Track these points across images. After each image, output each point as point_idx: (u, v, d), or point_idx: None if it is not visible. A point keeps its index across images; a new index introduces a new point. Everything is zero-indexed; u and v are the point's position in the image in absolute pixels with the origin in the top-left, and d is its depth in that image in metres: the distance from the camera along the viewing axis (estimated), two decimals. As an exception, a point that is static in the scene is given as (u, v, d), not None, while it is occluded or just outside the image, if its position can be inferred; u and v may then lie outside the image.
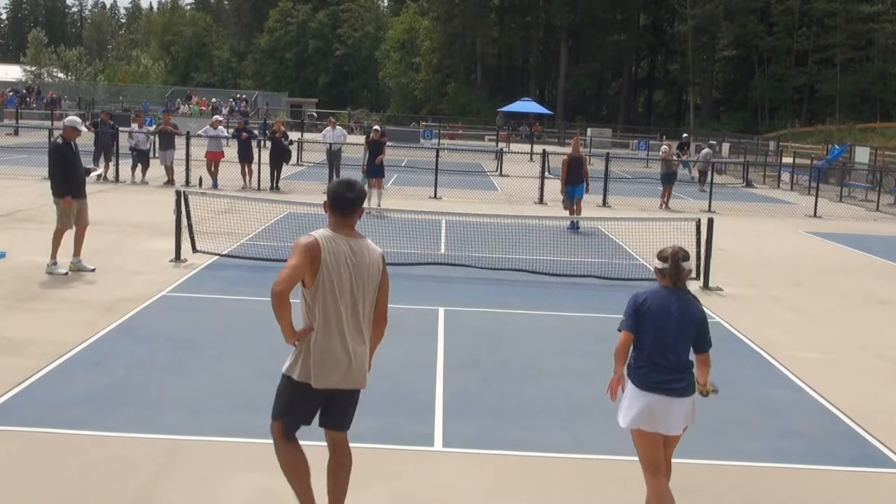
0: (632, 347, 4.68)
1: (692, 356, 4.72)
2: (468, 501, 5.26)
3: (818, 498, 5.59)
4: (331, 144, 24.53)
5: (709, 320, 4.86)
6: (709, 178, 26.14)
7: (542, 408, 6.88)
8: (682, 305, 4.65)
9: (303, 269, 4.28)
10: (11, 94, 55.73)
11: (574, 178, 17.19)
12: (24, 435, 5.88)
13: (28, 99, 56.83)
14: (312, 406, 4.47)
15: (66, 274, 10.68)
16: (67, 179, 10.72)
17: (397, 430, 6.22)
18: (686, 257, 4.74)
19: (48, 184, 11.15)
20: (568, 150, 20.09)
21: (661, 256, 4.76)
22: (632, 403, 4.65)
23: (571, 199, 17.21)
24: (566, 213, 17.28)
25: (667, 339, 4.60)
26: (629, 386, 4.68)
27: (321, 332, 4.35)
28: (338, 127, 26.42)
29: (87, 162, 12.84)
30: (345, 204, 4.43)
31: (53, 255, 10.73)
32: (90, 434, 5.91)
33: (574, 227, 16.89)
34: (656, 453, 4.67)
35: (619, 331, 4.71)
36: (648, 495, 4.71)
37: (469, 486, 5.44)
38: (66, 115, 14.32)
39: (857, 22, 54.75)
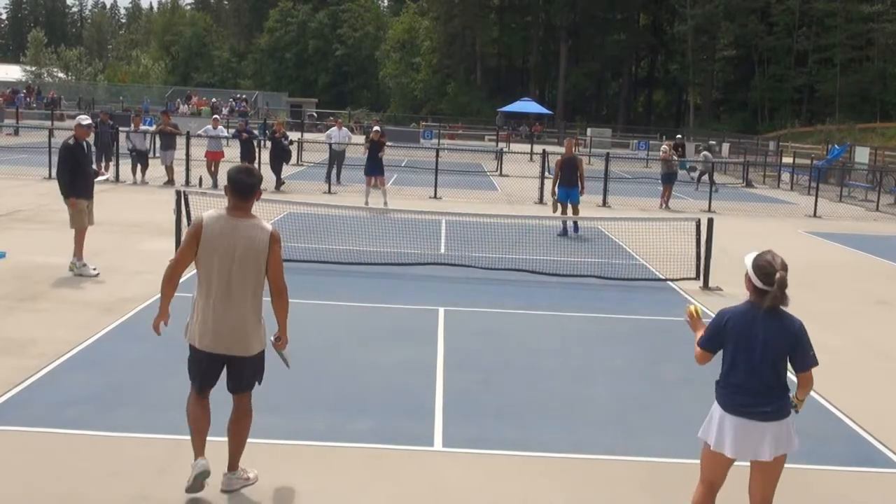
0: (722, 364, 4.38)
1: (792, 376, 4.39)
2: (468, 501, 5.26)
3: (818, 498, 5.59)
4: (331, 144, 24.61)
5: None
6: (709, 179, 26.08)
7: (542, 408, 6.88)
8: (771, 324, 4.24)
9: (187, 248, 4.90)
10: (23, 94, 55.98)
11: (567, 181, 16.17)
12: (24, 435, 5.88)
13: (28, 99, 56.83)
14: (207, 366, 4.96)
15: (97, 274, 10.68)
16: (75, 180, 10.72)
17: (397, 430, 6.22)
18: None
19: (48, 184, 11.19)
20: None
21: (766, 278, 4.23)
22: (714, 420, 4.40)
23: (564, 203, 16.27)
24: (559, 217, 16.29)
25: (752, 361, 4.24)
26: (715, 403, 4.43)
27: (201, 300, 4.88)
28: (343, 128, 26.56)
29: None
30: (243, 188, 4.88)
31: (80, 256, 10.74)
32: (90, 434, 5.91)
33: (575, 230, 16.09)
34: (716, 473, 4.48)
35: (698, 346, 4.46)
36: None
37: (469, 487, 5.43)
38: (65, 115, 14.31)
39: (856, 22, 54.73)
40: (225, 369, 5.02)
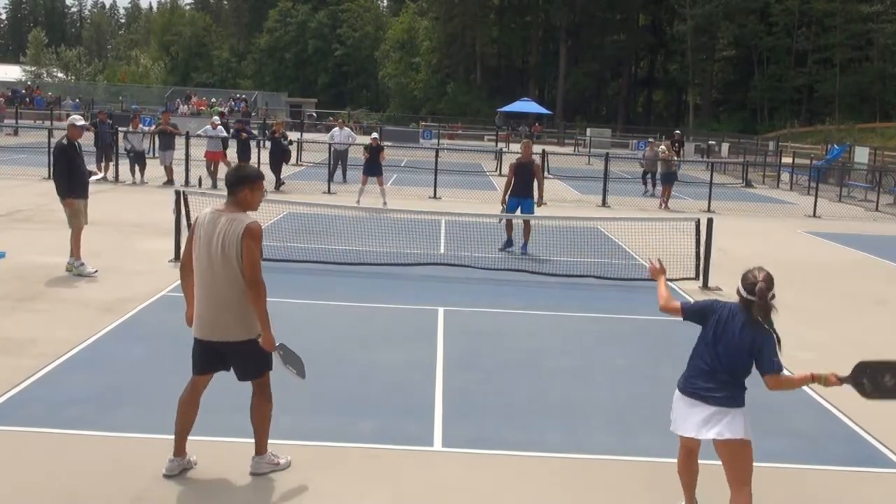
0: (690, 357, 4.75)
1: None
2: (468, 501, 5.26)
3: (817, 498, 5.59)
4: (332, 145, 24.65)
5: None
6: (651, 179, 25.47)
7: (542, 408, 6.89)
8: (747, 328, 4.56)
9: (188, 242, 5.31)
10: (39, 96, 56.34)
11: (521, 189, 13.87)
12: (24, 435, 5.88)
13: (28, 99, 56.86)
14: (201, 353, 5.27)
15: (96, 272, 10.69)
16: (71, 180, 10.74)
17: (397, 430, 6.22)
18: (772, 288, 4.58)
19: (48, 184, 11.19)
20: (567, 150, 20.06)
21: (749, 288, 4.56)
22: (674, 401, 4.80)
23: (513, 212, 13.90)
24: (517, 230, 14.16)
25: (719, 352, 4.61)
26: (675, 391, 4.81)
27: (195, 289, 5.24)
28: (346, 128, 26.73)
29: (89, 163, 12.85)
30: (228, 183, 5.25)
31: (77, 256, 10.75)
32: (90, 434, 5.91)
33: (523, 249, 13.89)
34: (682, 456, 4.86)
35: (680, 304, 4.88)
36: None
37: (469, 486, 5.44)
38: (63, 116, 14.31)
39: (856, 22, 54.76)
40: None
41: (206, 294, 5.13)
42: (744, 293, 4.59)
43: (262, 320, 5.13)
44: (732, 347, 4.58)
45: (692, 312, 4.80)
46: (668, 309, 4.91)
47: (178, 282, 10.66)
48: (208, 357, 5.25)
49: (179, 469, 5.35)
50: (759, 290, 4.52)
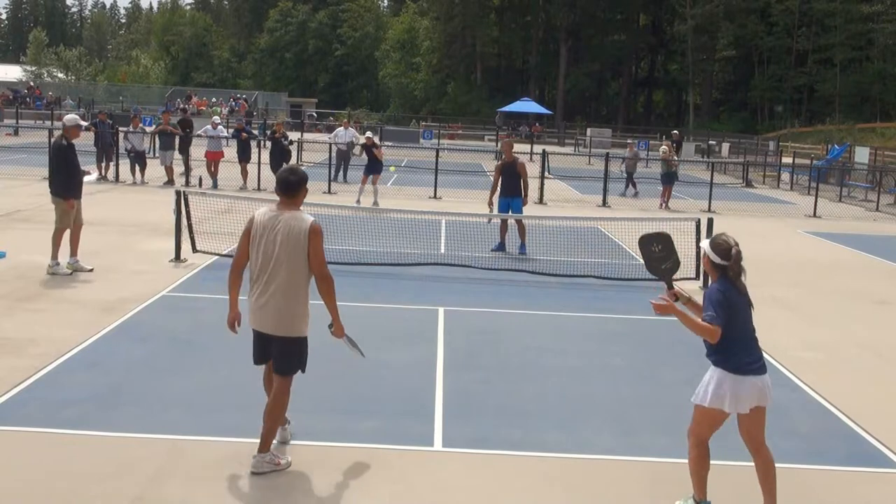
0: (720, 337, 4.78)
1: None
2: (468, 501, 5.26)
3: (818, 498, 5.59)
4: (335, 144, 24.67)
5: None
6: (627, 180, 25.26)
7: (542, 408, 6.89)
8: (742, 292, 4.85)
9: (242, 242, 5.51)
10: (39, 96, 56.53)
11: (508, 190, 13.90)
12: (24, 435, 5.88)
13: (28, 99, 56.89)
14: (256, 341, 5.55)
15: (71, 273, 10.69)
16: (71, 180, 10.73)
17: (397, 430, 6.22)
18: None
19: (48, 184, 11.15)
20: (567, 150, 20.00)
21: (724, 254, 4.79)
22: (714, 384, 4.80)
23: (503, 212, 13.98)
24: (510, 231, 14.22)
25: (746, 325, 4.84)
26: (720, 372, 4.79)
27: (250, 284, 5.47)
28: (350, 128, 26.83)
29: (89, 163, 12.85)
30: (286, 185, 5.44)
31: (55, 256, 10.74)
32: (90, 434, 5.91)
33: (521, 250, 13.84)
34: (711, 429, 4.95)
35: (711, 324, 4.72)
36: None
37: (469, 486, 5.44)
38: (63, 116, 14.26)
39: (856, 22, 54.74)
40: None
41: (264, 289, 5.36)
42: (718, 259, 4.81)
43: (332, 310, 5.53)
44: (749, 313, 4.86)
45: (723, 319, 4.75)
46: (718, 335, 4.78)
47: (179, 281, 10.82)
48: (263, 347, 5.50)
49: (284, 437, 5.78)
50: (736, 254, 4.78)
